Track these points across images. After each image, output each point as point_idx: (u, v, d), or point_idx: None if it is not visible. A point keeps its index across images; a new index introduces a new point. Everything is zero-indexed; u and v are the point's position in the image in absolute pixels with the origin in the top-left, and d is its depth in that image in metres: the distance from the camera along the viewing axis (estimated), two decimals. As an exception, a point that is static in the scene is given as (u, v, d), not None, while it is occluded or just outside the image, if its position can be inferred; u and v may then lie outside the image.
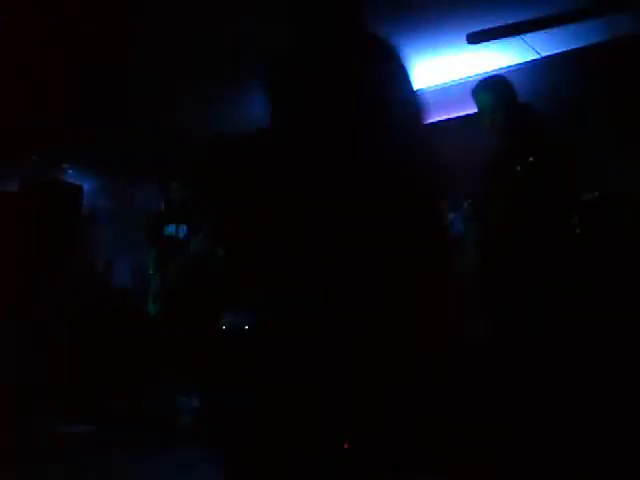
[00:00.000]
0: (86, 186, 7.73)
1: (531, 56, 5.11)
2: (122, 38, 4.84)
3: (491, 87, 3.60)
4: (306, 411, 1.79)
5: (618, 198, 3.78)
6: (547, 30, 4.68)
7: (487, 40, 4.85)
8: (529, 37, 4.82)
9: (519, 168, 3.30)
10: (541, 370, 3.12)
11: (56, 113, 6.09)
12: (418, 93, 1.96)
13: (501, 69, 5.11)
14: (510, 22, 4.65)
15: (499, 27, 4.70)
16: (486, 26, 4.70)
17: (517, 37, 4.81)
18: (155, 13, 4.52)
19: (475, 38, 4.85)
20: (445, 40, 4.92)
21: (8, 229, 6.55)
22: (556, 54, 5.03)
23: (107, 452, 4.64)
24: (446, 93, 5.45)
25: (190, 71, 5.46)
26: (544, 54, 5.08)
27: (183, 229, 5.57)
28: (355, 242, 1.78)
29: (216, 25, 4.70)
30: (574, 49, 4.92)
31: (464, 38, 4.85)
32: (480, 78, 3.73)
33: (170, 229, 5.58)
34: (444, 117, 5.40)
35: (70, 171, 7.45)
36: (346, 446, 1.81)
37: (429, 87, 5.49)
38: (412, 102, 1.96)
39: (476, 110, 3.64)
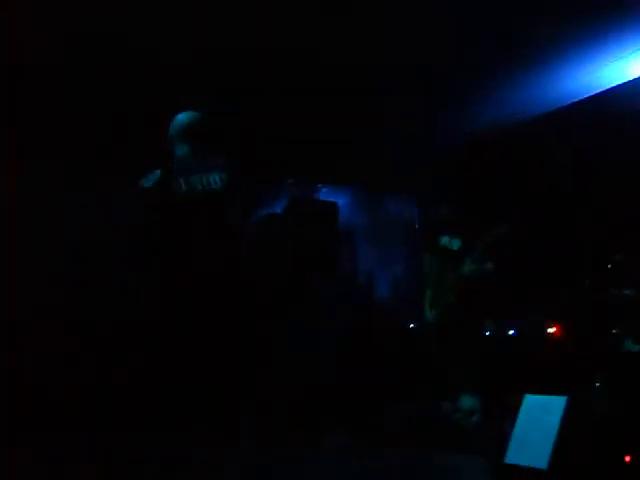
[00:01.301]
0: (341, 202, 7.96)
1: None
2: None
3: None
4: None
5: None
6: None
7: None
8: None
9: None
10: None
11: (310, 135, 6.39)
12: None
13: None
14: None
15: None
16: None
17: None
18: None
19: None
20: None
21: (273, 248, 6.98)
22: None
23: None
24: None
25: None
26: None
27: (457, 242, 5.63)
28: None
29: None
30: None
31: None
32: None
33: (444, 240, 5.67)
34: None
35: (324, 189, 7.74)
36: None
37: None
38: None
39: None
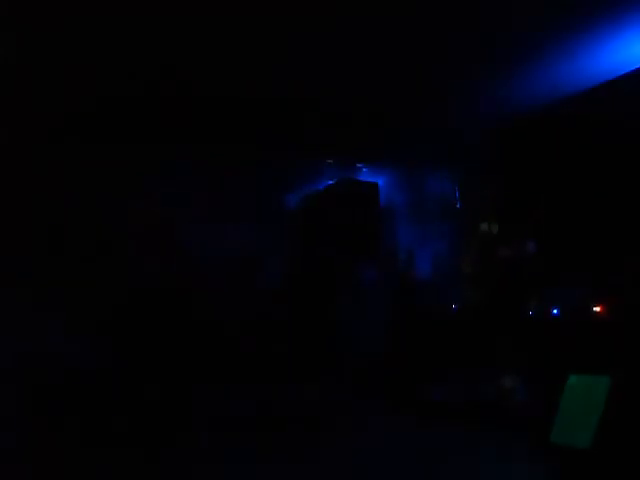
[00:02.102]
0: (381, 182, 7.97)
1: None
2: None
3: None
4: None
5: None
6: None
7: None
8: None
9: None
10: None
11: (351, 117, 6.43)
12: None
13: None
14: None
15: None
16: None
17: None
18: None
19: None
20: None
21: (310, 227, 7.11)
22: None
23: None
24: None
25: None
26: None
27: (497, 223, 5.64)
28: None
29: None
30: None
31: None
32: None
33: (485, 221, 5.69)
34: None
35: (364, 170, 7.76)
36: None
37: None
38: None
39: None
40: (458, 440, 4.34)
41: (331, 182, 7.59)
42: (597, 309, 5.05)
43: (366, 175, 7.84)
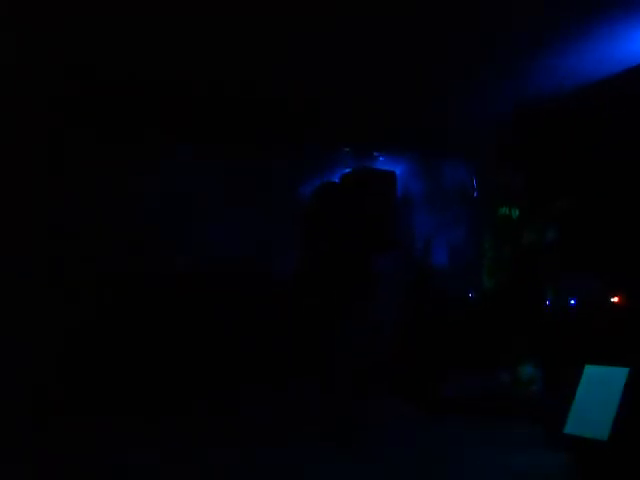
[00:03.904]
0: (398, 171, 7.93)
1: None
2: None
3: None
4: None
5: None
6: None
7: None
8: None
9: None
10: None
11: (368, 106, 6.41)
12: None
13: None
14: None
15: None
16: None
17: None
18: None
19: None
20: None
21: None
22: None
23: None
24: None
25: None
26: None
27: (515, 212, 5.62)
28: None
29: None
30: None
31: None
32: None
33: (504, 209, 5.67)
34: None
35: (381, 158, 7.73)
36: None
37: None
38: None
39: None
40: (474, 434, 4.34)
41: (348, 170, 7.57)
42: (615, 299, 5.01)
43: (383, 164, 7.80)
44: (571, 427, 3.69)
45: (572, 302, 5.33)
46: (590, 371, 3.98)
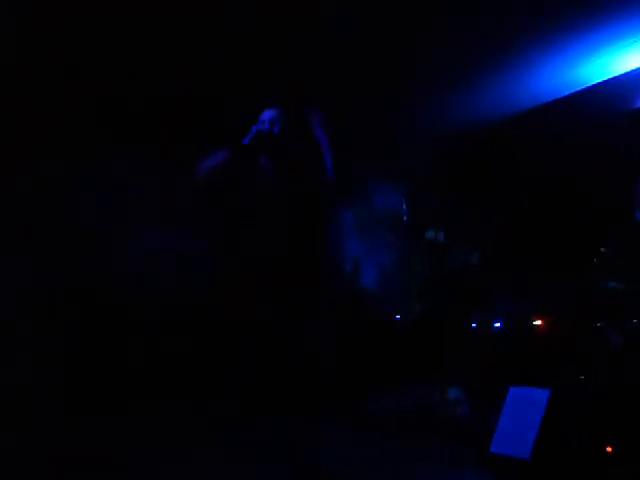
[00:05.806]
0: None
1: None
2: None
3: None
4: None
5: None
6: None
7: None
8: None
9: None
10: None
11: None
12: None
13: None
14: None
15: None
16: None
17: None
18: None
19: None
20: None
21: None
22: None
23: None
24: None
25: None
26: None
27: (441, 235, 5.66)
28: None
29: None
30: None
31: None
32: None
33: (430, 232, 5.71)
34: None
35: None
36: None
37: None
38: None
39: None
40: (399, 449, 4.30)
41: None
42: (538, 323, 5.12)
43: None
44: (496, 446, 3.72)
45: (497, 325, 5.43)
46: (514, 392, 4.03)
